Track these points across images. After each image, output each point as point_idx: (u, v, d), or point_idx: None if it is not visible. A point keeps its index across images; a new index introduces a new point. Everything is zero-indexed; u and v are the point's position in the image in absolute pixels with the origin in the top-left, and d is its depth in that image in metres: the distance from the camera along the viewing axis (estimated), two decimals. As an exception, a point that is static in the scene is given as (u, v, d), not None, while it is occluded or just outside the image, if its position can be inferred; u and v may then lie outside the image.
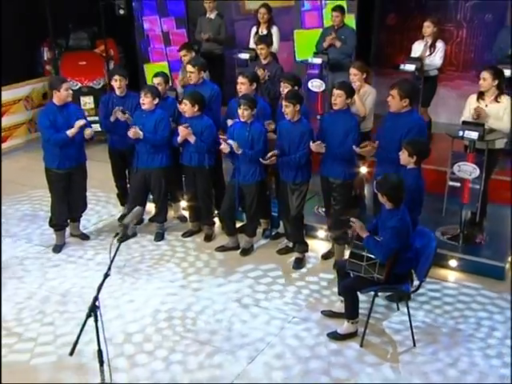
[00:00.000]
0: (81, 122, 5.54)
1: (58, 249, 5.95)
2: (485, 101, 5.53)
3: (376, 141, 5.13)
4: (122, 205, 6.60)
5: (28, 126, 8.93)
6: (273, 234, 6.15)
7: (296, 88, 5.58)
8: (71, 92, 5.66)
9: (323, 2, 8.73)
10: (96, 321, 3.13)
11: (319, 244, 5.94)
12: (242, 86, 5.76)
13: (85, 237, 6.19)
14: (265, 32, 7.92)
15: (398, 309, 4.87)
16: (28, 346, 4.51)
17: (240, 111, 5.39)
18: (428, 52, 7.04)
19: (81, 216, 6.16)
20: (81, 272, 5.59)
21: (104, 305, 4.12)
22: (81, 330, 3.11)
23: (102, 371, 3.24)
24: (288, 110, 5.19)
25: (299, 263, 5.59)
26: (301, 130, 5.29)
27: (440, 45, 7.05)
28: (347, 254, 5.53)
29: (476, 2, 9.98)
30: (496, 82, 5.43)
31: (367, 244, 4.27)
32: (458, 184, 5.58)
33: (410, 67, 6.76)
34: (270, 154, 5.36)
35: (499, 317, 4.80)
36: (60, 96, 5.55)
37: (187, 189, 6.12)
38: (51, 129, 5.55)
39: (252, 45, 8.00)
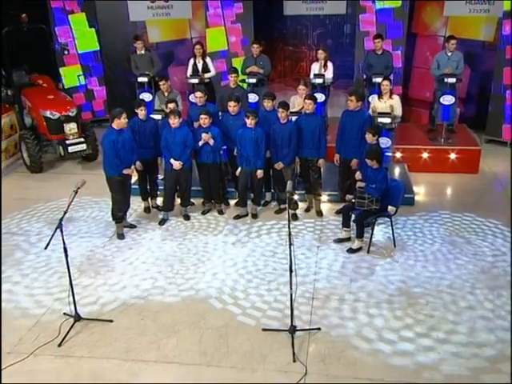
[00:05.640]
0: (132, 169, 6.86)
1: (121, 236, 6.97)
2: (383, 99, 7.91)
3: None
4: (144, 200, 7.73)
5: (5, 153, 9.25)
6: (262, 202, 7.83)
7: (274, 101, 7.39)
8: (127, 120, 6.67)
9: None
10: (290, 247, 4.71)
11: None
12: (235, 107, 7.33)
13: (133, 225, 7.26)
14: (201, 62, 9.47)
15: (373, 229, 6.94)
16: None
17: (249, 121, 7.00)
18: (323, 70, 9.19)
19: (127, 211, 7.20)
20: (155, 247, 6.77)
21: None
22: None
23: (290, 278, 4.81)
24: (283, 114, 6.98)
25: (295, 216, 7.44)
26: (290, 129, 7.10)
27: (330, 64, 9.13)
28: (323, 205, 7.59)
29: (320, 31, 12.60)
30: (391, 86, 7.85)
31: (367, 188, 6.35)
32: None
33: (319, 80, 8.87)
34: None
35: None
36: (120, 123, 6.59)
37: (202, 180, 7.52)
38: (113, 150, 6.55)
39: (190, 73, 9.51)
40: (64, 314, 5.37)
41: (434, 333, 5.09)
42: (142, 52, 9.80)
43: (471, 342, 4.95)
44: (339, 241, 6.77)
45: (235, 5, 10.62)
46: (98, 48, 11.36)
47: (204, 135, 7.10)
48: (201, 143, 7.15)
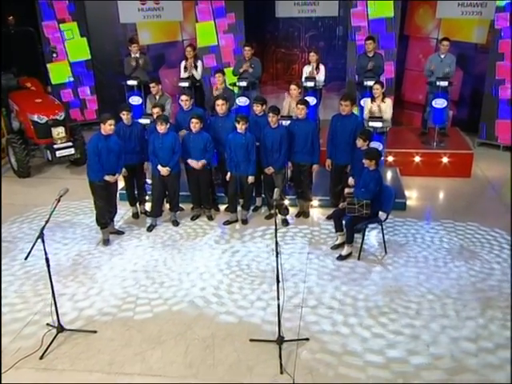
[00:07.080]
0: (115, 177, 6.68)
1: (107, 242, 6.84)
2: (376, 102, 7.79)
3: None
4: (132, 205, 7.60)
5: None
6: (252, 208, 7.71)
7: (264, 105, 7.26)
8: (114, 127, 6.53)
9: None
10: (277, 256, 4.59)
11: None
12: (223, 106, 7.22)
13: (120, 232, 7.12)
14: (192, 65, 9.37)
15: (364, 234, 6.81)
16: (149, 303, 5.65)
17: (239, 126, 6.88)
18: (315, 73, 9.08)
19: (114, 216, 7.07)
20: (142, 254, 6.64)
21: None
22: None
23: (278, 288, 4.69)
24: (274, 119, 6.86)
25: (286, 222, 7.31)
26: (280, 133, 6.98)
27: (322, 67, 9.05)
28: (314, 211, 7.48)
29: (312, 34, 12.50)
30: (383, 90, 7.74)
31: (357, 192, 6.23)
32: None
33: (310, 83, 8.76)
34: None
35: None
36: (104, 128, 6.48)
37: (192, 186, 7.38)
38: (96, 155, 6.44)
39: (183, 75, 9.41)
40: (47, 324, 5.23)
41: (421, 344, 4.99)
42: (137, 55, 9.70)
43: (433, 354, 4.84)
44: (336, 247, 6.63)
45: (227, 15, 10.49)
46: (90, 57, 11.22)
47: (190, 161, 7.05)
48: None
